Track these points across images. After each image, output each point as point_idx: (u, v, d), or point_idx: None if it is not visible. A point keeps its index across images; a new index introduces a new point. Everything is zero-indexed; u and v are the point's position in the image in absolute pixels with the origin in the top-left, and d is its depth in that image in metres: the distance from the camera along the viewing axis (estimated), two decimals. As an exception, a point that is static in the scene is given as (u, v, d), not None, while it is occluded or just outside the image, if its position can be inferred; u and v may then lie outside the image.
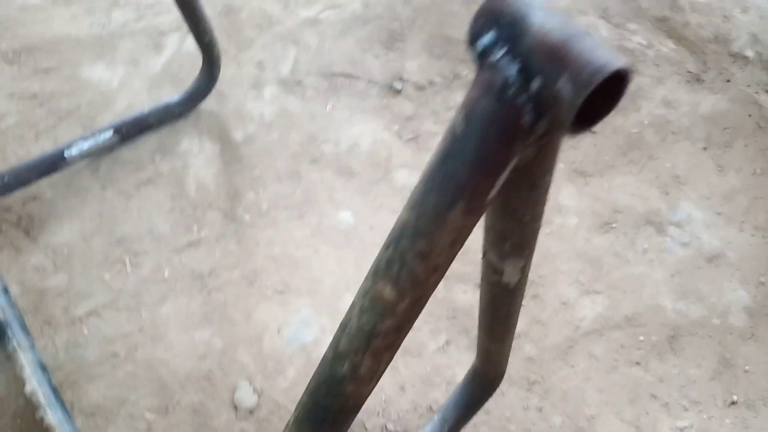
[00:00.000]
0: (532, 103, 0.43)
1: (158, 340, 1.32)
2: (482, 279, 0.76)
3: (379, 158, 1.62)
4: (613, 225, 1.55)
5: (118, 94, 1.68)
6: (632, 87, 1.83)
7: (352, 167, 1.61)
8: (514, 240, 0.63)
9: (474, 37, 0.44)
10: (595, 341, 1.37)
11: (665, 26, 2.00)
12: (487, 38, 0.43)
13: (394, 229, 0.50)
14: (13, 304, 1.24)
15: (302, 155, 1.62)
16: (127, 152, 1.57)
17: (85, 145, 1.50)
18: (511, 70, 0.42)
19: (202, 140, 1.62)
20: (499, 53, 0.43)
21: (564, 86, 0.40)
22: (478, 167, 0.45)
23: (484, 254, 0.70)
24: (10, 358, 1.18)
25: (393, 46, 1.84)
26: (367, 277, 0.52)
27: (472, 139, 0.44)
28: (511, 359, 1.29)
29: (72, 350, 1.30)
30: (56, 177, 1.51)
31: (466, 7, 1.95)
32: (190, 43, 1.57)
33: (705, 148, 1.72)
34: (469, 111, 0.44)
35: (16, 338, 1.19)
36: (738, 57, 1.94)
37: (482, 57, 0.44)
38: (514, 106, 0.43)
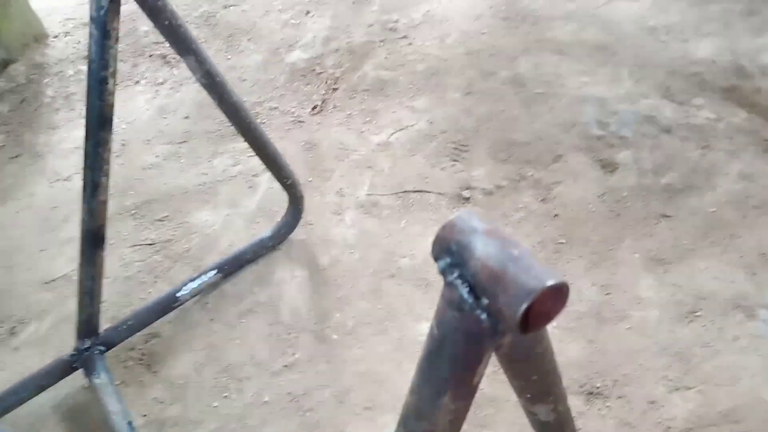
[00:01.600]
0: (487, 314, 0.51)
1: (263, 462, 1.44)
2: (526, 415, 0.82)
3: (453, 268, 1.70)
4: (698, 313, 1.51)
5: (221, 233, 1.92)
6: (705, 164, 1.81)
7: (428, 278, 1.70)
8: (532, 392, 0.69)
9: (435, 258, 0.55)
10: (690, 441, 1.33)
11: (734, 96, 1.97)
12: (442, 262, 0.53)
13: (402, 409, 0.59)
14: (139, 436, 1.43)
15: (382, 272, 1.74)
16: (230, 286, 1.77)
17: (194, 285, 1.72)
18: (464, 289, 0.52)
19: (293, 268, 1.79)
20: (453, 275, 0.52)
21: (504, 305, 0.48)
22: (455, 364, 0.54)
23: (517, 397, 0.76)
24: (138, 487, 1.35)
25: (459, 156, 1.97)
26: (388, 449, 0.61)
27: (446, 342, 0.54)
28: (598, 467, 1.28)
29: (190, 475, 1.45)
30: (171, 315, 1.73)
31: (525, 110, 2.05)
32: (277, 182, 1.79)
33: (793, 220, 1.65)
34: (440, 319, 0.54)
35: (142, 468, 1.36)
36: (821, 117, 1.86)
37: (443, 275, 0.54)
38: (473, 316, 0.52)
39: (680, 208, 1.72)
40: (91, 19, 1.22)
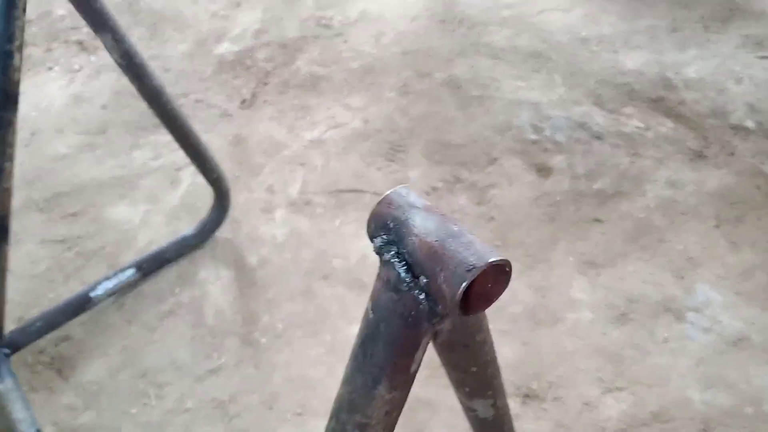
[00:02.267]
0: (425, 294, 0.46)
1: (182, 475, 1.34)
2: (464, 412, 0.77)
3: (388, 268, 1.66)
4: (630, 316, 1.53)
5: (139, 230, 1.78)
6: (635, 171, 1.85)
7: (362, 279, 1.64)
8: (471, 386, 0.65)
9: (371, 237, 0.49)
10: (622, 442, 1.33)
11: (661, 106, 2.04)
12: (378, 240, 0.48)
13: (334, 401, 0.53)
14: (43, 450, 1.29)
15: (314, 272, 1.67)
16: (149, 286, 1.65)
17: (110, 285, 1.58)
18: (401, 268, 0.46)
19: (218, 268, 1.69)
20: (389, 253, 0.47)
21: (444, 283, 0.43)
22: (392, 349, 0.48)
23: (455, 391, 0.71)
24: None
25: (395, 157, 1.92)
26: (321, 444, 0.54)
27: (382, 325, 0.48)
28: (534, 470, 1.25)
29: (99, 492, 1.33)
30: (84, 316, 1.59)
31: (461, 112, 2.04)
32: (204, 176, 1.68)
33: (716, 226, 1.70)
34: (375, 301, 0.48)
35: (45, 485, 1.23)
36: (738, 129, 1.95)
37: (379, 254, 0.48)
38: (411, 297, 0.47)
39: (611, 213, 1.75)
40: (-4, -16, 1.10)
